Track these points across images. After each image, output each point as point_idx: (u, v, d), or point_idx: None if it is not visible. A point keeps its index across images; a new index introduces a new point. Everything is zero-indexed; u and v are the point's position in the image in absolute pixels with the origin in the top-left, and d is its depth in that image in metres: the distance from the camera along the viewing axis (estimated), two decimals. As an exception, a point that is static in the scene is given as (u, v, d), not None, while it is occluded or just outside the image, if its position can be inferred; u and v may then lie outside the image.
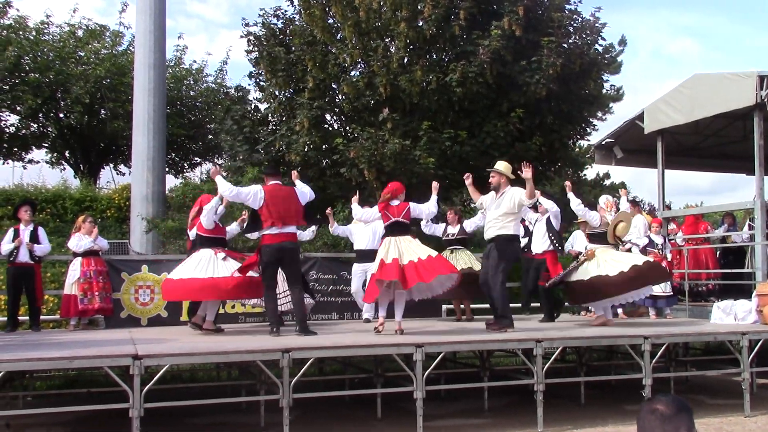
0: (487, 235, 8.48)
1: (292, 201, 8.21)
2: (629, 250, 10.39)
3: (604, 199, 9.65)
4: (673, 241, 11.89)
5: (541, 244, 10.15)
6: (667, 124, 11.69)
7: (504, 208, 8.32)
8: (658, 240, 10.87)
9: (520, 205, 8.31)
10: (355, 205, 8.82)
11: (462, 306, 10.65)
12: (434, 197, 8.66)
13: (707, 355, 11.21)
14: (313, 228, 10.54)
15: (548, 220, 9.91)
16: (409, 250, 7.85)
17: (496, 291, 8.29)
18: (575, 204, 9.20)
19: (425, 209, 8.61)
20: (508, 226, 8.33)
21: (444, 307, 11.53)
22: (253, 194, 8.03)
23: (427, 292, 8.23)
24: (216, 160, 23.81)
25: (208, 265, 8.26)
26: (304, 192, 8.45)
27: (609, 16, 72.94)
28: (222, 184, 8.07)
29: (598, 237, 9.24)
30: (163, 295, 9.13)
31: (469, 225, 10.44)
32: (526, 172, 8.03)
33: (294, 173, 8.90)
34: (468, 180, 8.81)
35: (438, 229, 10.38)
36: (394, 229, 8.12)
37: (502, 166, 8.60)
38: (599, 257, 9.00)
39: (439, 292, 8.31)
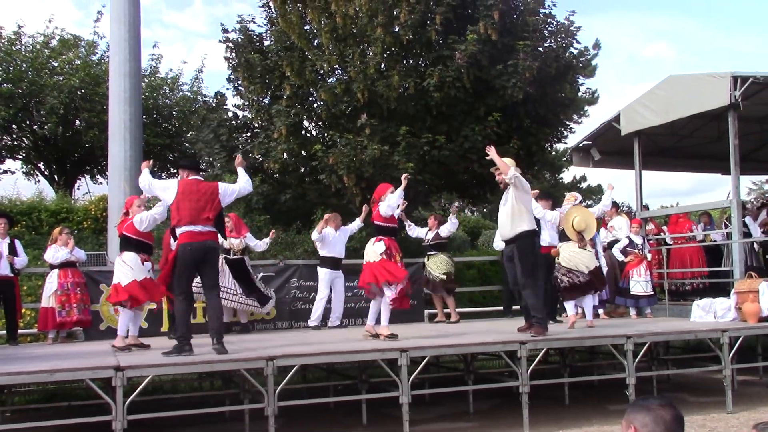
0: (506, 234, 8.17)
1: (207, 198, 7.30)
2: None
3: (568, 195, 9.69)
4: (652, 241, 11.98)
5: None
6: (644, 126, 11.79)
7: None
8: (638, 240, 10.95)
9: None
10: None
11: (446, 309, 10.88)
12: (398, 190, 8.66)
13: (688, 354, 11.31)
14: (267, 240, 10.57)
15: None
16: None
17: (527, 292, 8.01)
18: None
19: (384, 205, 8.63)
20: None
21: (426, 311, 11.53)
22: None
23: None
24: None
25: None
26: (228, 188, 7.56)
27: (584, 20, 73.50)
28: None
29: (565, 235, 9.31)
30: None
31: (443, 230, 10.84)
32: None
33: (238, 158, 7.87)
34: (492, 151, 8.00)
35: (421, 232, 10.69)
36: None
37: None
38: (563, 255, 9.08)
39: None
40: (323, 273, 10.50)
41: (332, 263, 10.49)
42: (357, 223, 10.87)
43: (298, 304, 10.91)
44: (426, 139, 13.12)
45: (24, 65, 20.38)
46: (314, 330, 10.22)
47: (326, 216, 10.87)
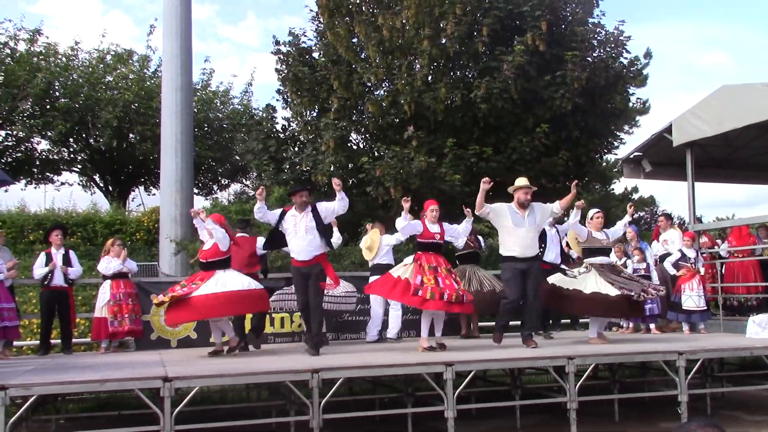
0: (529, 253, 8.44)
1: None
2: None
3: (592, 212, 9.52)
4: (705, 255, 11.69)
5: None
6: (696, 137, 11.52)
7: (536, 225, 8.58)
8: (691, 254, 10.69)
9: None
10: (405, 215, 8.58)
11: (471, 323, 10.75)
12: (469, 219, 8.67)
13: (743, 371, 10.97)
14: (338, 234, 10.60)
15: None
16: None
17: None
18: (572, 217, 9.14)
19: (462, 230, 8.74)
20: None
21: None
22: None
23: None
24: (244, 180, 24.00)
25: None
26: (326, 208, 8.38)
27: (635, 29, 72.55)
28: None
29: (590, 251, 9.14)
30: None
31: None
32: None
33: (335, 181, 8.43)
34: (486, 185, 8.38)
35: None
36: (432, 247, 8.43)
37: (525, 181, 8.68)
38: (597, 273, 8.91)
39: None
40: None
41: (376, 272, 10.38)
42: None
43: (345, 315, 10.92)
44: (473, 151, 13.08)
45: (80, 80, 20.97)
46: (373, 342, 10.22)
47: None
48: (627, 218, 9.56)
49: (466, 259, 10.40)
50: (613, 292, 8.61)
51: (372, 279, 10.20)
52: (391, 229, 10.65)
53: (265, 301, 8.73)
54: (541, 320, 10.35)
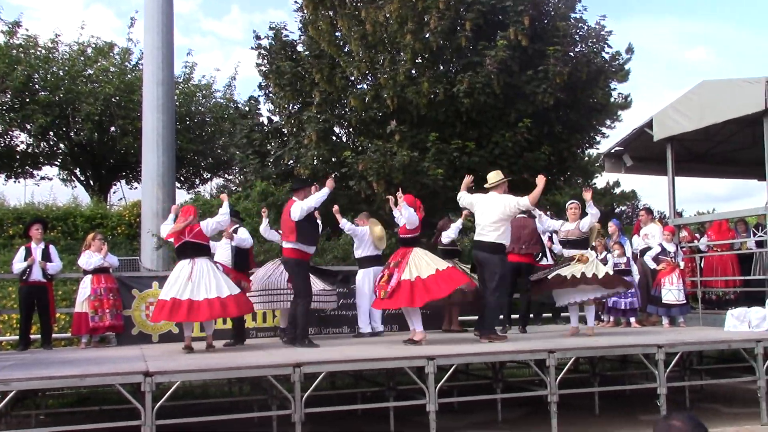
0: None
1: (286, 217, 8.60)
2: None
3: (568, 204, 9.60)
4: (685, 249, 11.80)
5: None
6: (676, 131, 11.61)
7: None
8: (671, 248, 10.78)
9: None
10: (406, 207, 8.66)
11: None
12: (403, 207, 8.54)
13: (722, 364, 11.10)
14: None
15: None
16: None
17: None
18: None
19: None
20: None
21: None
22: None
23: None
24: (226, 175, 23.90)
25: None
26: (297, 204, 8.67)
27: (619, 25, 72.84)
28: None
29: (572, 243, 9.21)
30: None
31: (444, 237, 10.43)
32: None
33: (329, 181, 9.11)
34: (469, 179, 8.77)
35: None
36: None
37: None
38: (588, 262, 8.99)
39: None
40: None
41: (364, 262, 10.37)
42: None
43: (327, 310, 10.89)
44: (456, 146, 13.10)
45: (60, 73, 20.77)
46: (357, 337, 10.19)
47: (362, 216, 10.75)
48: (588, 203, 9.15)
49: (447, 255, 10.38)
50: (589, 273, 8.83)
51: (361, 271, 10.21)
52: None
53: (248, 304, 8.62)
54: (526, 314, 10.54)
